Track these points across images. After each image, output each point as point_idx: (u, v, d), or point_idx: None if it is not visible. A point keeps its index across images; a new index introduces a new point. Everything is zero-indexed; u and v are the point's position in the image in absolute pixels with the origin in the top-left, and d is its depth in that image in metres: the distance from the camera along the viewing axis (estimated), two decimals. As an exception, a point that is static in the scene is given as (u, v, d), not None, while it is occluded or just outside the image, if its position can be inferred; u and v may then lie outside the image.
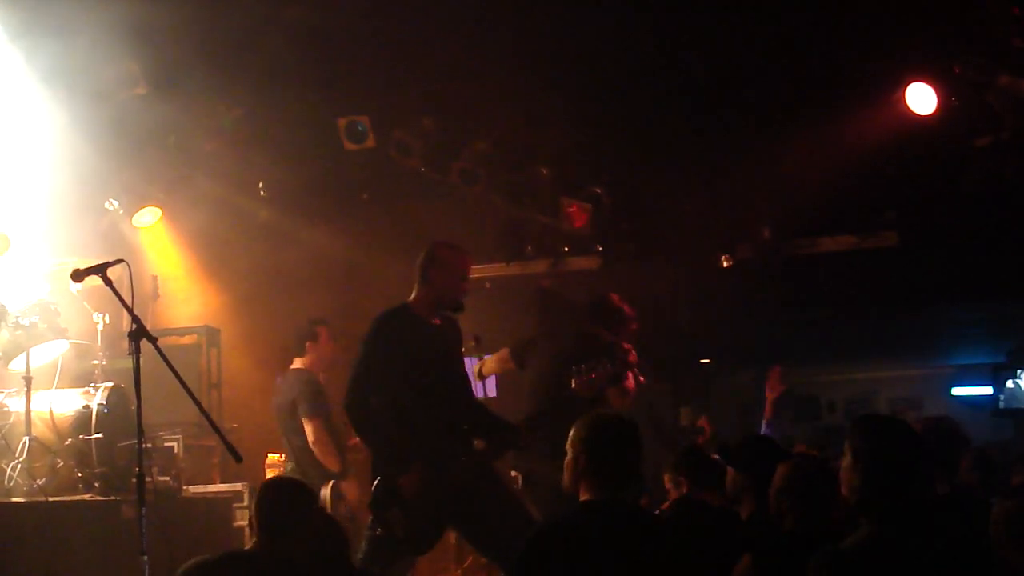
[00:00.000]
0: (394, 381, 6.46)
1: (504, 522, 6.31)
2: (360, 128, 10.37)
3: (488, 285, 11.70)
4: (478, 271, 11.47)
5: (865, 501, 4.00)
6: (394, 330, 6.54)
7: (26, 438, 7.84)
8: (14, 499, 7.53)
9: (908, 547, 3.89)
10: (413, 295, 6.66)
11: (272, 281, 11.42)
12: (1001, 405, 14.45)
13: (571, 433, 4.64)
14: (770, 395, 8.15)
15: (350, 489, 8.73)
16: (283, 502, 4.89)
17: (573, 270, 11.62)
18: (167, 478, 8.67)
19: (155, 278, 10.38)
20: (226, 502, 9.14)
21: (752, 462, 5.34)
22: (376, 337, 6.54)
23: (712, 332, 13.07)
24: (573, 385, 7.03)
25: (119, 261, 5.93)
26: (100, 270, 5.84)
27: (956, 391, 17.26)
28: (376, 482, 6.39)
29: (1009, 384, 14.41)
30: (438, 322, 6.68)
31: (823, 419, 17.17)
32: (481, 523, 6.42)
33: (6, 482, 7.67)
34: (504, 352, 8.53)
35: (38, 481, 7.73)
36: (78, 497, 7.87)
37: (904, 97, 9.26)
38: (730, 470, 5.49)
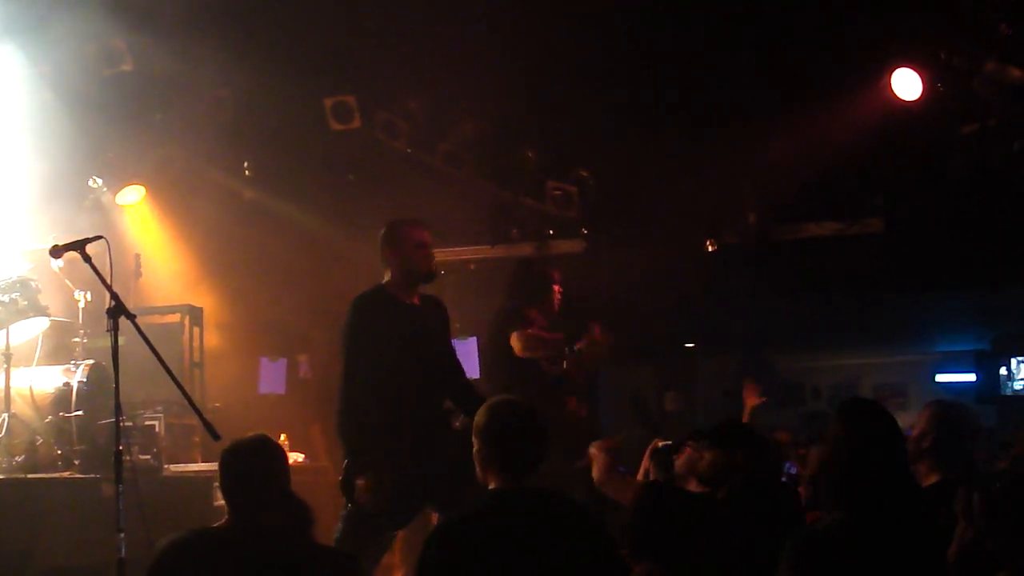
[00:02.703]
0: (373, 361, 6.46)
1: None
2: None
3: (472, 267, 11.70)
4: (463, 253, 11.50)
5: (838, 484, 4.01)
6: (368, 311, 6.53)
7: (5, 415, 7.85)
8: (-7, 476, 7.53)
9: (879, 531, 3.90)
10: (385, 279, 6.67)
11: (256, 261, 11.41)
12: (1007, 392, 14.44)
13: (474, 423, 4.64)
14: (749, 404, 8.09)
15: None
16: (248, 464, 4.71)
17: (558, 253, 11.60)
18: (148, 456, 8.66)
19: (138, 256, 10.36)
20: (207, 481, 9.10)
21: (741, 442, 5.33)
22: (352, 321, 6.54)
23: (697, 317, 13.07)
24: (564, 366, 7.02)
25: (98, 237, 5.90)
26: (79, 246, 5.82)
27: (940, 378, 17.29)
28: (347, 459, 6.40)
29: (1003, 371, 14.42)
30: (416, 302, 6.66)
31: (807, 405, 17.22)
32: (457, 501, 6.39)
33: (-15, 459, 7.66)
34: None
35: (17, 458, 7.73)
36: (57, 475, 7.86)
37: (890, 83, 9.25)
38: (707, 454, 5.46)
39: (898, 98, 9.26)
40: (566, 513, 4.50)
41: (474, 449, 4.60)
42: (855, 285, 12.10)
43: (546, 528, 4.37)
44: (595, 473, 6.37)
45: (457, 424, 6.72)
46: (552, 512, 4.46)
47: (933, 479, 5.21)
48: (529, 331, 7.53)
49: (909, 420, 5.79)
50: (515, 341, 7.71)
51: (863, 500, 3.93)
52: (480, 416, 4.61)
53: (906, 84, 9.21)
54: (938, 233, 10.51)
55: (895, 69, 9.21)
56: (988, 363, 14.50)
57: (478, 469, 4.59)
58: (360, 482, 6.20)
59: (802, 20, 9.06)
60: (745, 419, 8.69)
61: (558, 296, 8.19)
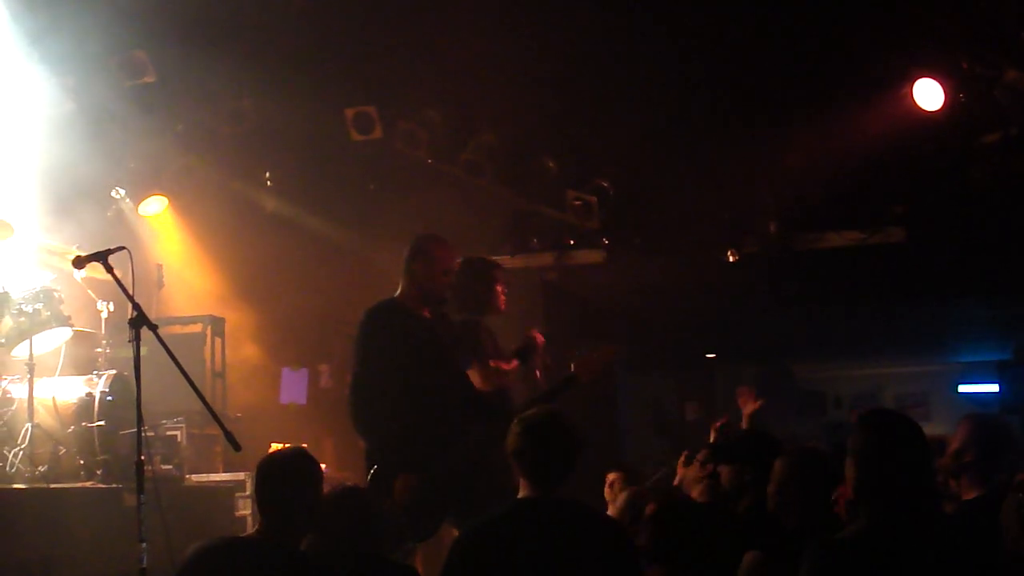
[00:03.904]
0: (387, 373, 6.46)
1: None
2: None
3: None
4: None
5: (862, 494, 3.99)
6: (381, 323, 6.55)
7: (28, 425, 7.85)
8: (15, 485, 7.54)
9: (902, 542, 3.88)
10: (399, 290, 6.67)
11: (278, 271, 11.44)
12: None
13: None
14: (746, 412, 7.99)
15: None
16: (280, 480, 4.77)
17: (578, 263, 11.60)
18: (170, 466, 8.69)
19: (160, 267, 10.38)
20: (228, 491, 9.16)
21: (749, 457, 5.33)
22: (365, 332, 6.55)
23: (717, 326, 13.07)
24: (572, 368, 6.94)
25: (120, 248, 5.91)
26: (101, 257, 5.83)
27: (962, 388, 17.24)
28: (370, 474, 6.41)
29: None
30: (428, 315, 6.67)
31: (829, 414, 17.20)
32: (473, 513, 6.37)
33: (8, 469, 7.68)
34: None
35: (40, 468, 7.74)
36: (80, 484, 7.89)
37: (912, 92, 9.23)
38: (724, 467, 5.48)
39: (920, 108, 9.24)
40: (588, 523, 4.55)
41: None
42: (877, 294, 12.08)
43: (567, 537, 4.44)
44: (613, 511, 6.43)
45: (470, 436, 6.69)
46: (574, 521, 4.51)
47: (974, 493, 5.16)
48: (491, 363, 7.42)
49: (932, 431, 5.75)
50: (475, 375, 7.28)
51: (887, 510, 3.91)
52: (512, 427, 4.69)
53: (928, 94, 9.18)
54: (960, 242, 10.48)
55: (917, 78, 9.19)
56: (1011, 373, 14.45)
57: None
58: (398, 482, 6.23)
59: (823, 29, 9.04)
60: (744, 426, 8.56)
61: (502, 297, 7.98)
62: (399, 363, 6.46)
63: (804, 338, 14.56)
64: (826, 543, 3.95)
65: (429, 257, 6.65)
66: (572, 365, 6.82)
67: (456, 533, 7.08)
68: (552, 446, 4.58)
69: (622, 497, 6.45)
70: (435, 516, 6.54)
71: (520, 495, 4.59)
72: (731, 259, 10.94)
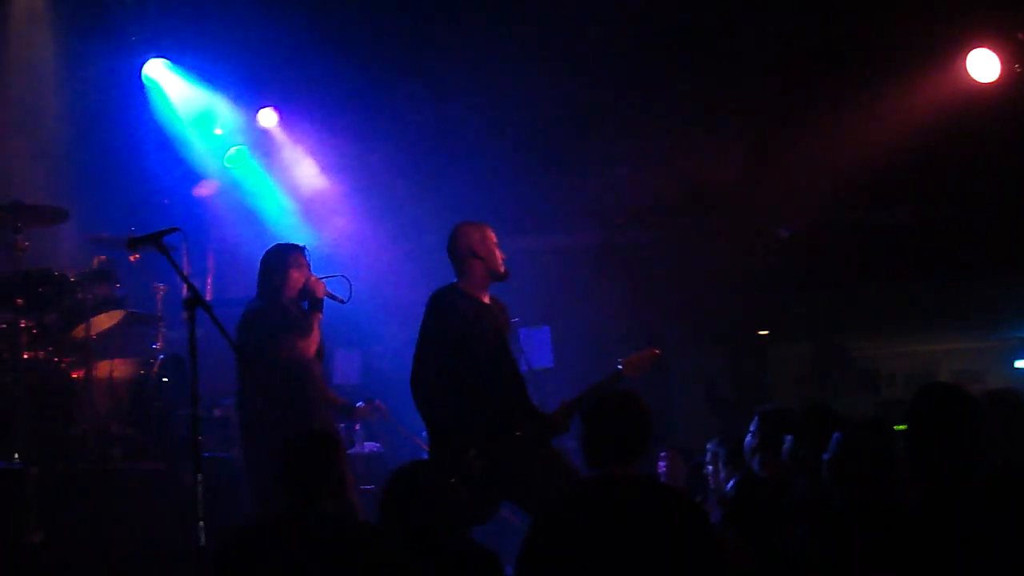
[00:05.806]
0: (452, 355, 6.48)
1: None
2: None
3: (544, 256, 11.68)
4: (534, 242, 11.48)
5: (917, 467, 3.97)
6: (448, 305, 6.56)
7: (85, 406, 7.92)
8: (72, 466, 7.62)
9: (957, 514, 3.86)
10: (459, 280, 6.68)
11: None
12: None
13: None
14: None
15: None
16: (306, 457, 4.88)
17: (629, 241, 11.56)
18: (225, 447, 8.74)
19: (214, 247, 10.44)
20: (284, 471, 9.18)
21: (810, 432, 5.33)
22: (431, 314, 6.58)
23: (769, 303, 12.99)
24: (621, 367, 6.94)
25: (174, 229, 5.95)
26: (155, 239, 5.87)
27: (1020, 364, 17.04)
28: (432, 454, 6.43)
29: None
30: (488, 301, 6.70)
31: (883, 392, 17.03)
32: (535, 497, 6.34)
33: (65, 450, 7.75)
34: None
35: (97, 449, 7.82)
36: (136, 464, 7.95)
37: (966, 64, 9.12)
38: (788, 440, 5.49)
39: (975, 79, 9.13)
40: (663, 500, 4.52)
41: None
42: (931, 270, 11.96)
43: (643, 513, 4.42)
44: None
45: (519, 433, 6.66)
46: (650, 498, 4.48)
47: None
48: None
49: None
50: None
51: (942, 481, 3.90)
52: (585, 406, 4.76)
53: (983, 65, 9.08)
54: (1015, 216, 10.37)
55: (972, 50, 9.09)
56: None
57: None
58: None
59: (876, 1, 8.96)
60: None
61: (298, 283, 7.62)
62: (464, 346, 6.48)
63: (857, 315, 14.44)
64: (881, 517, 3.94)
65: (478, 239, 6.68)
66: (620, 363, 6.87)
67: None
68: (627, 422, 4.59)
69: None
70: (493, 501, 6.53)
71: (592, 473, 4.60)
72: (784, 235, 10.89)
